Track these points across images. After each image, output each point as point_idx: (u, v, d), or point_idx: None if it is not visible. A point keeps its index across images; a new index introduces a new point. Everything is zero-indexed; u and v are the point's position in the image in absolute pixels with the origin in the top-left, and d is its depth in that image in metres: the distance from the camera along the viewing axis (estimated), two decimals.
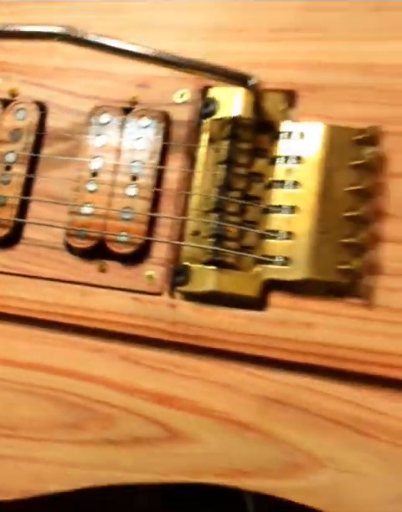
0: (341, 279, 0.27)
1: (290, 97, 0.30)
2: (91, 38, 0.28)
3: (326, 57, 0.30)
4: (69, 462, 0.30)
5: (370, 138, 0.28)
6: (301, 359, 0.28)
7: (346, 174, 0.28)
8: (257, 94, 0.29)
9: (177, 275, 0.29)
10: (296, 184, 0.29)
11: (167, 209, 0.30)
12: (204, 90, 0.31)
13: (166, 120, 0.31)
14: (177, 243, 0.30)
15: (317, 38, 0.31)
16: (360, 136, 0.28)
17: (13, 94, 0.34)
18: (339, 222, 0.28)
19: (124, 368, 0.30)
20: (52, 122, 0.33)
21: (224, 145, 0.29)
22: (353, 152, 0.28)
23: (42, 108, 0.33)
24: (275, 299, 0.28)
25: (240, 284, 0.29)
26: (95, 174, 0.31)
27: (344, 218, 0.28)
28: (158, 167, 0.31)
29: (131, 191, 0.30)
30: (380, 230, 0.28)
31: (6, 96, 0.34)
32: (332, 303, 0.28)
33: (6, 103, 0.34)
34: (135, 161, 0.31)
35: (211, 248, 0.29)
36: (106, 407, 0.30)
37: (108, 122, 0.32)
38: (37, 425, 0.31)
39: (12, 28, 0.28)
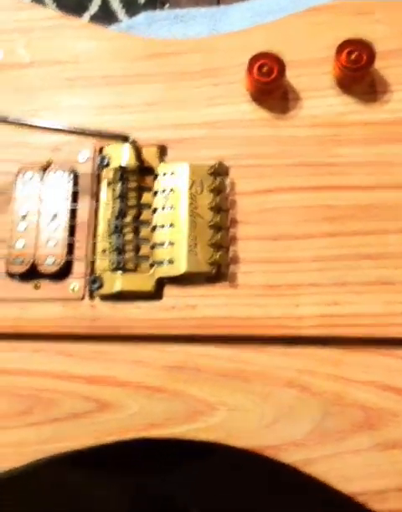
0: (211, 269, 0.38)
1: (162, 149, 0.41)
2: (15, 120, 0.39)
3: (184, 120, 0.42)
4: (21, 442, 0.38)
5: (219, 170, 0.39)
6: (190, 332, 0.37)
7: (206, 196, 0.39)
8: (136, 148, 0.40)
9: (93, 283, 0.39)
10: (172, 207, 0.39)
11: (81, 236, 0.40)
12: (100, 149, 0.42)
13: (74, 173, 0.41)
14: (91, 259, 0.40)
15: (177, 108, 0.42)
16: (212, 170, 0.39)
17: None
18: (205, 230, 0.38)
19: (60, 361, 0.38)
20: None
21: (118, 186, 0.40)
22: (209, 181, 0.39)
23: None
24: (167, 291, 0.38)
25: (140, 283, 0.38)
26: (24, 217, 0.41)
27: (208, 226, 0.38)
28: (71, 207, 0.41)
29: (53, 226, 0.40)
30: (234, 232, 0.39)
31: None
32: (208, 288, 0.38)
33: None
34: (54, 204, 0.41)
35: (115, 258, 0.39)
36: (48, 393, 0.38)
37: (31, 178, 0.42)
38: None
39: None
